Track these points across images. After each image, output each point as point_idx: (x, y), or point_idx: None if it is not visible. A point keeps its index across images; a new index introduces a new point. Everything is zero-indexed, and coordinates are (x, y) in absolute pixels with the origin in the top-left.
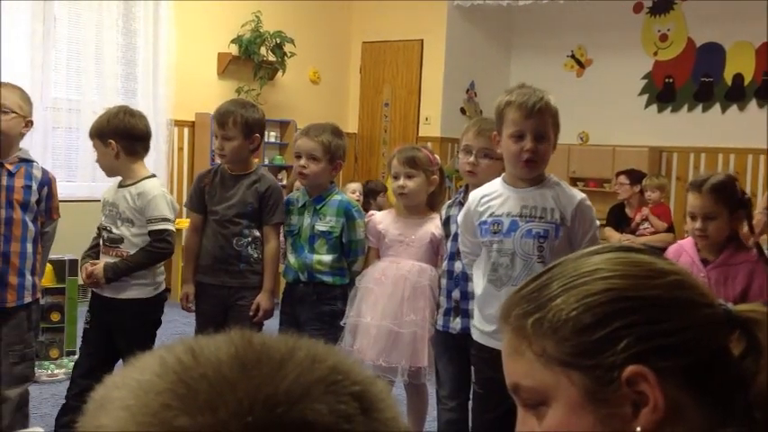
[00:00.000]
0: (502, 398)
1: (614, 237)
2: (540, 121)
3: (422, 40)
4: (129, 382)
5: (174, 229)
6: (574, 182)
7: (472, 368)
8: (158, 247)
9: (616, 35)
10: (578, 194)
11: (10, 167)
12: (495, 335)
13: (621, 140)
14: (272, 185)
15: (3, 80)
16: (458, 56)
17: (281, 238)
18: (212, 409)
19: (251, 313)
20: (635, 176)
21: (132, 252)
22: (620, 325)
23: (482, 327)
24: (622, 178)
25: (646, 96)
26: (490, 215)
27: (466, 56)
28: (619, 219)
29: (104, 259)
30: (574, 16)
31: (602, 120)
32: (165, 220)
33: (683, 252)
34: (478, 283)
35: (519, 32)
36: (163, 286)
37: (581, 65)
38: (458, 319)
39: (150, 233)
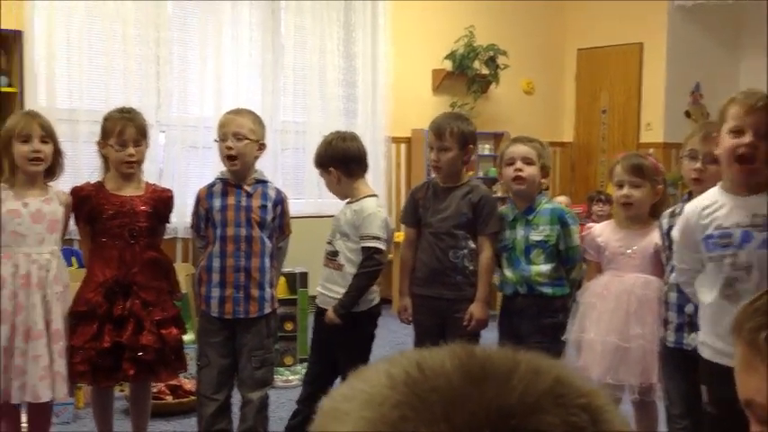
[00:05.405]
0: (737, 419)
1: None
2: (762, 118)
3: (641, 44)
4: (359, 394)
5: (383, 248)
6: None
7: (703, 387)
8: (368, 265)
9: None
10: None
11: (248, 189)
12: (728, 351)
13: None
14: (485, 195)
15: (239, 106)
16: (681, 58)
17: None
18: (448, 420)
19: (464, 323)
20: None
21: (344, 264)
22: None
23: (713, 344)
24: None
25: None
26: (716, 227)
27: (689, 57)
28: None
29: (324, 271)
30: None
31: None
32: (376, 238)
33: None
34: (706, 299)
35: (748, 31)
36: (376, 300)
37: None
38: (693, 335)
39: (362, 250)
